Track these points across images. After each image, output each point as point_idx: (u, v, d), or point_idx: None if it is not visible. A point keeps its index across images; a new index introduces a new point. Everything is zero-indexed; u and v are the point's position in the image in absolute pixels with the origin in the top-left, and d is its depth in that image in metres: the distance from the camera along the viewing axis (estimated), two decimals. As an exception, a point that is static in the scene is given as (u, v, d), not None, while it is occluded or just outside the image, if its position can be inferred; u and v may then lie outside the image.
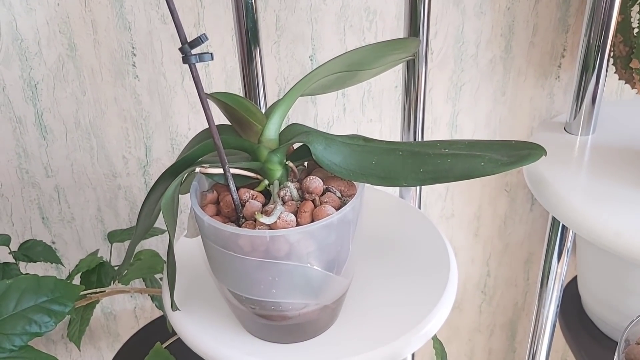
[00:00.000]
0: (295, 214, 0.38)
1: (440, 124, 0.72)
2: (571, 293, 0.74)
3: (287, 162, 0.40)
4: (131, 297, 0.79)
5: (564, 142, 0.58)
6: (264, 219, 0.36)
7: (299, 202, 0.39)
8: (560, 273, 0.63)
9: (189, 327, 0.44)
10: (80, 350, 0.65)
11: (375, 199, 0.55)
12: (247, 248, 0.37)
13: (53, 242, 0.74)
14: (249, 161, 0.41)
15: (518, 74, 0.70)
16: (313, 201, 0.38)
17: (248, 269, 0.37)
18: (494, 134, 0.74)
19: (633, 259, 0.43)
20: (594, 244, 0.46)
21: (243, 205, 0.39)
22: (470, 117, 0.72)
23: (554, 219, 0.62)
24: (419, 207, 0.61)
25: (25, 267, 0.72)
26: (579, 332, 0.71)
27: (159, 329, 0.73)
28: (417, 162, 0.39)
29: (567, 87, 0.72)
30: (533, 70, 0.70)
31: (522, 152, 0.38)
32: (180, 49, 0.34)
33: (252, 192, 0.39)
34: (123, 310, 0.80)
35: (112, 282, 0.59)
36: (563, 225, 0.61)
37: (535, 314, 0.69)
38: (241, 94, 0.57)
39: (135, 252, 0.65)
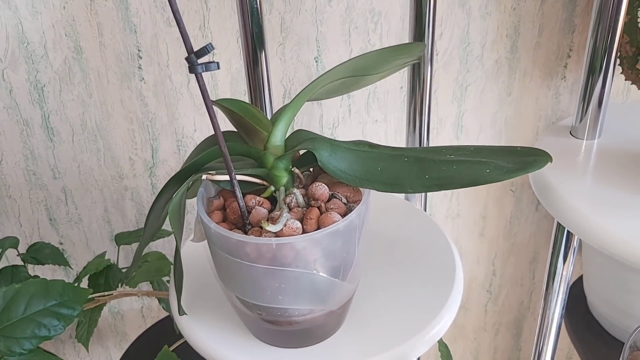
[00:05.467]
0: (301, 220, 0.38)
1: (446, 124, 0.72)
2: (577, 292, 0.74)
3: (292, 169, 0.40)
4: (139, 297, 0.79)
5: (570, 146, 0.58)
6: (270, 227, 0.36)
7: (304, 208, 0.39)
8: (565, 275, 0.63)
9: (196, 331, 0.44)
10: (88, 351, 0.66)
11: (380, 201, 0.55)
12: (254, 255, 0.37)
13: (61, 243, 0.74)
14: (255, 167, 0.41)
15: (524, 75, 0.70)
16: (319, 208, 0.39)
17: (255, 276, 0.37)
18: (500, 134, 0.74)
19: (640, 266, 0.43)
20: (601, 251, 0.46)
21: (249, 212, 0.39)
22: (476, 118, 0.72)
23: (559, 220, 0.61)
24: (425, 209, 0.61)
25: (34, 269, 0.72)
26: (584, 332, 0.71)
27: (166, 328, 0.74)
28: (423, 169, 0.39)
29: (574, 87, 0.71)
30: (539, 70, 0.70)
31: (528, 158, 0.38)
32: (186, 59, 0.34)
33: (258, 198, 0.40)
34: (130, 310, 0.81)
35: (119, 284, 0.59)
36: (568, 227, 0.61)
37: (541, 315, 0.69)
38: (246, 97, 0.57)
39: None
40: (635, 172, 0.53)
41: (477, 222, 0.81)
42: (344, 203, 0.40)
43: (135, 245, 0.72)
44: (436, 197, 0.78)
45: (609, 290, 0.66)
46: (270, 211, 0.39)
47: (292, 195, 0.39)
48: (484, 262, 0.84)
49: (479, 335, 0.92)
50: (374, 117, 0.71)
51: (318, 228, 0.37)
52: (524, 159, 0.38)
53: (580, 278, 0.75)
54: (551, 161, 0.38)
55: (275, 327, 0.42)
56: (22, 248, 0.66)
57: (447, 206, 0.79)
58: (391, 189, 0.39)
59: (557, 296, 0.64)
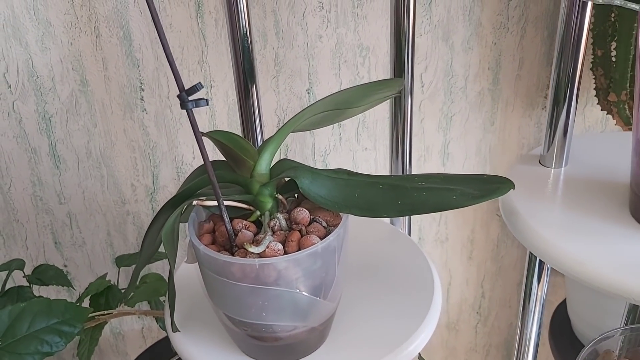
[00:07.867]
0: (284, 243, 0.41)
1: (433, 153, 0.76)
2: (562, 315, 0.77)
3: (277, 195, 0.44)
4: (139, 318, 0.82)
5: (538, 174, 0.61)
6: (253, 249, 0.39)
7: (287, 231, 0.42)
8: (540, 296, 0.65)
9: (189, 347, 0.47)
10: (89, 369, 0.69)
11: (365, 223, 0.58)
12: (239, 275, 0.40)
13: (65, 266, 0.77)
14: (242, 194, 0.44)
15: (506, 105, 0.74)
16: (300, 231, 0.42)
17: (240, 294, 0.41)
18: (485, 161, 0.77)
19: (596, 286, 0.46)
20: (561, 272, 0.49)
21: (236, 235, 0.42)
22: (461, 146, 0.76)
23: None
24: (409, 232, 0.64)
25: (39, 290, 0.75)
26: (568, 353, 0.73)
27: (165, 348, 0.77)
28: (396, 195, 0.42)
29: (554, 116, 0.75)
30: (520, 101, 0.74)
31: (492, 185, 0.41)
32: (178, 96, 0.38)
33: (244, 222, 0.43)
34: (131, 331, 0.83)
35: (119, 304, 0.62)
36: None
37: (519, 336, 0.71)
38: (240, 128, 0.61)
39: (141, 276, 0.68)
40: (597, 198, 0.56)
41: (466, 246, 0.83)
42: (324, 227, 0.43)
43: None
44: (425, 222, 0.81)
45: (590, 313, 0.68)
46: (255, 234, 0.42)
47: (276, 220, 0.42)
48: (473, 284, 0.87)
49: (470, 356, 0.94)
50: (363, 145, 0.74)
51: (299, 250, 0.40)
52: (488, 186, 0.41)
53: (565, 301, 0.77)
54: (513, 188, 0.41)
55: (261, 343, 0.45)
56: (28, 270, 0.69)
57: (436, 230, 0.82)
58: (367, 214, 0.42)
59: (534, 316, 0.67)
